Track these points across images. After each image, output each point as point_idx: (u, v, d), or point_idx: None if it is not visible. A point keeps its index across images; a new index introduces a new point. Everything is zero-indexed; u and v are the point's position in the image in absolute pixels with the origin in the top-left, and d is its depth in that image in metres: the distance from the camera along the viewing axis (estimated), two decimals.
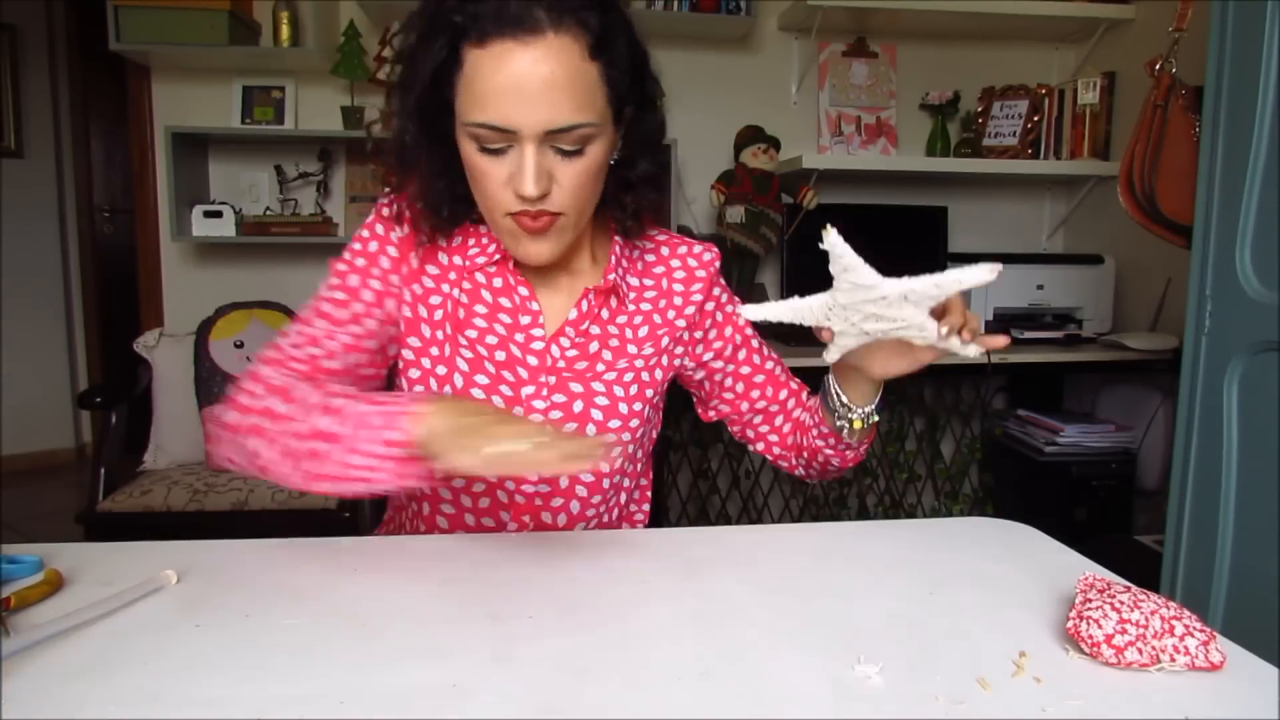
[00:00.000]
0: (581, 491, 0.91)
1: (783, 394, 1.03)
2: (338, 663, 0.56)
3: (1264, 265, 1.43)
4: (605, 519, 0.95)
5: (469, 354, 0.88)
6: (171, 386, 2.25)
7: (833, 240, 0.69)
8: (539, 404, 0.88)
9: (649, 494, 1.03)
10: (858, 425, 0.90)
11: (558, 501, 0.90)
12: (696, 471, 2.71)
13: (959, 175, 2.72)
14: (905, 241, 2.60)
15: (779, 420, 1.03)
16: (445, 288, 0.89)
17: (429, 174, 0.84)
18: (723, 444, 2.72)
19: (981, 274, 0.66)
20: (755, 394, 1.02)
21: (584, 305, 0.90)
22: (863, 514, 2.81)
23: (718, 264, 0.99)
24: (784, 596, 0.68)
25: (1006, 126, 2.66)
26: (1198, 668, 0.56)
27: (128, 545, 0.77)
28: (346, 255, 0.88)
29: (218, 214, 2.42)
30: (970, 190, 2.82)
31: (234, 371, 2.21)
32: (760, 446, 1.05)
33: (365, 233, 0.89)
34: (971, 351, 0.75)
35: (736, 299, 1.01)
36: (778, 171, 2.50)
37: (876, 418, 0.91)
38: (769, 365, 1.03)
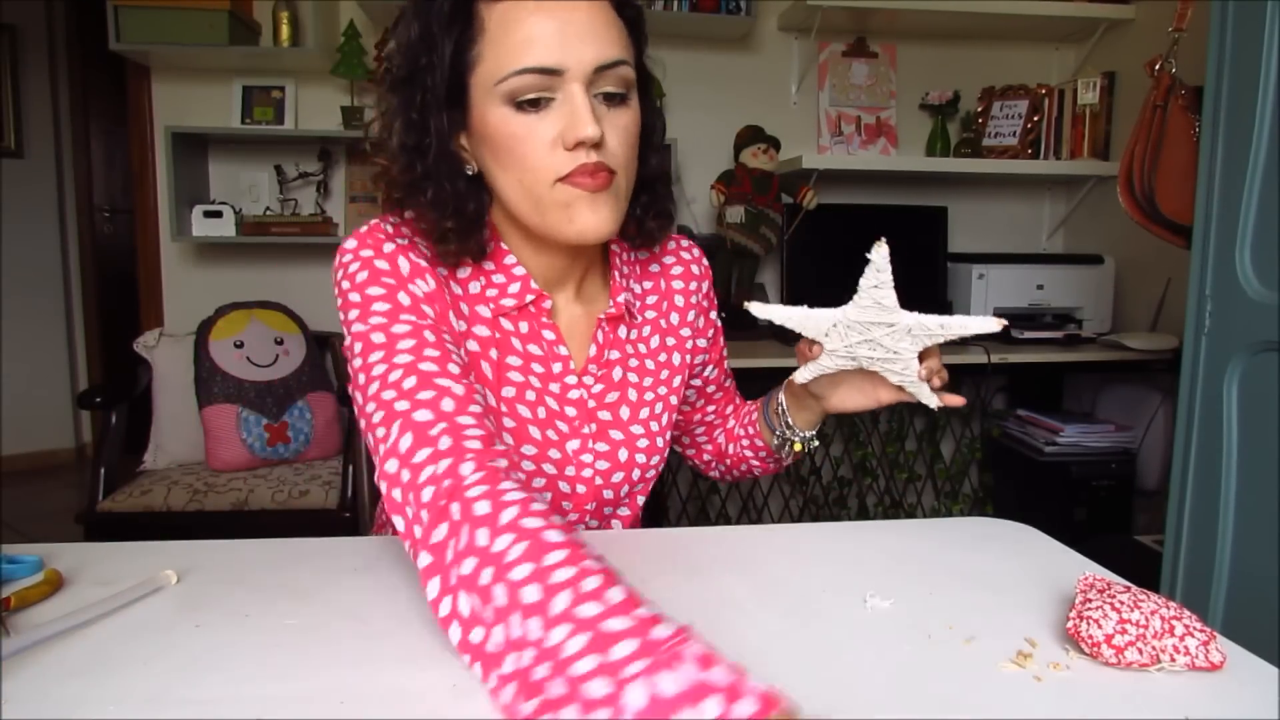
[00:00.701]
0: (625, 511, 0.90)
1: (729, 408, 1.03)
2: (338, 663, 0.56)
3: (1264, 265, 1.43)
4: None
5: (511, 421, 0.79)
6: (171, 386, 2.25)
7: (883, 254, 0.71)
8: (587, 458, 0.83)
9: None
10: (798, 448, 0.93)
11: (594, 523, 0.88)
12: (696, 471, 2.71)
13: (959, 175, 2.72)
14: (905, 241, 2.60)
15: (717, 432, 1.03)
16: (473, 345, 0.78)
17: (451, 174, 0.75)
18: None
19: (987, 324, 0.70)
20: (710, 409, 1.02)
21: (599, 336, 0.84)
22: (863, 514, 2.80)
23: (706, 261, 0.97)
24: (784, 596, 0.67)
25: (1006, 126, 2.66)
26: (1198, 668, 0.56)
27: (128, 545, 0.77)
28: (380, 307, 0.70)
29: (218, 214, 2.42)
30: (970, 190, 2.82)
31: (234, 372, 2.21)
32: (691, 453, 1.05)
33: (383, 290, 0.71)
34: (935, 401, 0.77)
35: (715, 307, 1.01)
36: (778, 171, 2.50)
37: (816, 443, 0.94)
38: (727, 382, 1.02)
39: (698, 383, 0.99)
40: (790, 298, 2.49)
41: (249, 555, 0.75)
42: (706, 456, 1.05)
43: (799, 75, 2.71)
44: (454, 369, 0.68)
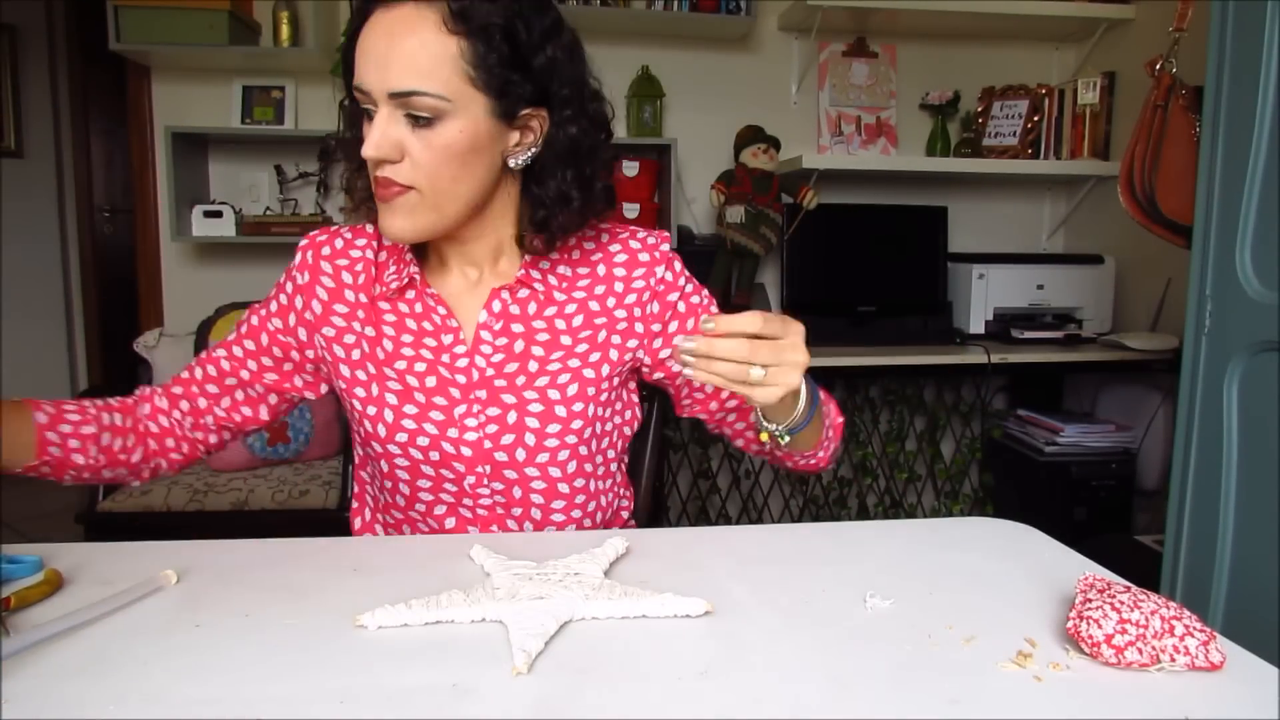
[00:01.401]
0: (537, 499, 0.89)
1: None
2: (338, 663, 0.56)
3: (1264, 265, 1.43)
4: (587, 524, 0.93)
5: (397, 385, 0.87)
6: None
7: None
8: (471, 421, 0.86)
9: (630, 493, 1.01)
10: (763, 436, 0.84)
11: (517, 511, 0.89)
12: (696, 471, 2.71)
13: (959, 175, 2.72)
14: (905, 241, 2.60)
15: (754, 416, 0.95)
16: (356, 326, 0.90)
17: (346, 159, 0.88)
18: (723, 443, 2.72)
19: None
20: (728, 398, 0.96)
21: (495, 306, 0.89)
22: (863, 514, 2.81)
23: (665, 247, 0.94)
24: (784, 596, 0.68)
25: (1006, 126, 2.66)
26: (1198, 668, 0.56)
27: (128, 545, 0.77)
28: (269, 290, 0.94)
29: (218, 214, 2.42)
30: (970, 190, 2.82)
31: None
32: (740, 443, 1.01)
33: (273, 289, 0.93)
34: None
35: (708, 299, 0.96)
36: (778, 171, 2.50)
37: (786, 437, 0.83)
38: None
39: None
40: (790, 297, 2.49)
41: (249, 555, 0.75)
42: (755, 446, 0.98)
43: (799, 75, 2.71)
44: (231, 350, 0.93)
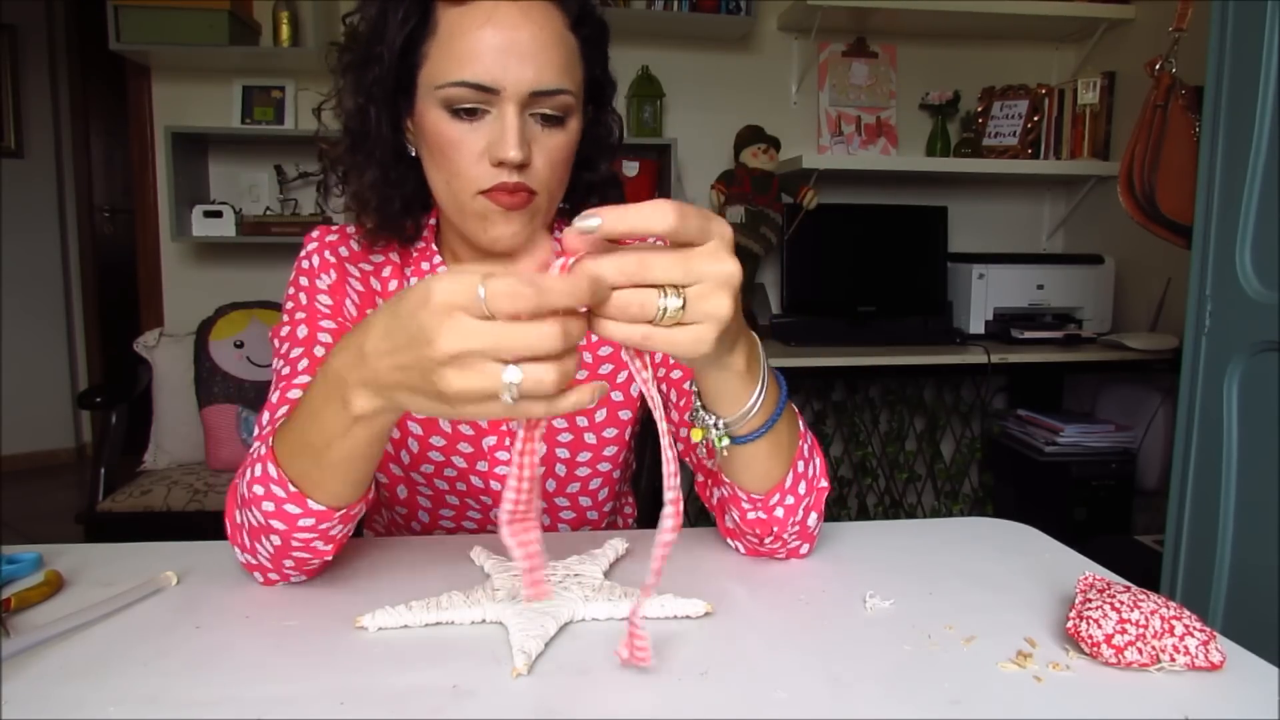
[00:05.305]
0: (565, 528, 0.89)
1: None
2: (338, 663, 0.56)
3: (1264, 265, 1.43)
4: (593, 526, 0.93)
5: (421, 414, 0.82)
6: (171, 386, 2.25)
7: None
8: (503, 455, 0.84)
9: (632, 495, 1.01)
10: (696, 437, 0.66)
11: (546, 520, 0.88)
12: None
13: (959, 175, 2.72)
14: (905, 241, 2.60)
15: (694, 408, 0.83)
16: None
17: (384, 161, 0.78)
18: None
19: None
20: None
21: None
22: (863, 514, 2.80)
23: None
24: (784, 596, 0.67)
25: (1006, 126, 2.66)
26: (1198, 667, 0.56)
27: (128, 546, 0.77)
28: (285, 315, 0.81)
29: (218, 214, 2.42)
30: (970, 190, 2.82)
31: (234, 371, 2.21)
32: (699, 478, 0.82)
33: (292, 290, 0.82)
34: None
35: None
36: (778, 171, 2.50)
37: (727, 440, 0.64)
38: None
39: (661, 370, 0.85)
40: (790, 297, 2.49)
41: None
42: (729, 523, 0.77)
43: (799, 75, 2.71)
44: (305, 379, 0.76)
